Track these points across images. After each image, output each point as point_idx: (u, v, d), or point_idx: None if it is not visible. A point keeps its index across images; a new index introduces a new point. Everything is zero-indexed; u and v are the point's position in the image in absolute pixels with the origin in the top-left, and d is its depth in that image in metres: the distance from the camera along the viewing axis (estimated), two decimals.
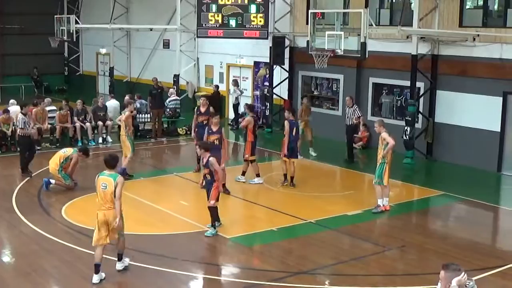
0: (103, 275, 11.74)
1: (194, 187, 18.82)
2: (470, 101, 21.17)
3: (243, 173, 18.81)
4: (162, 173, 20.21)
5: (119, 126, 20.38)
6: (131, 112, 19.84)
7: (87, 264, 12.41)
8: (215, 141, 17.08)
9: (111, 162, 11.92)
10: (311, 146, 22.68)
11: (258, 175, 18.81)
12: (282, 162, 18.58)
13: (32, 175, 19.46)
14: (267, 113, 27.94)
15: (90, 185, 18.01)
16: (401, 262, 13.21)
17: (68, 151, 18.24)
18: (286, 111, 18.84)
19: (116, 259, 12.20)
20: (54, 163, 17.89)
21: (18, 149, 20.60)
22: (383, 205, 15.96)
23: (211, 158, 13.85)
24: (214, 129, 17.46)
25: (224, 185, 16.74)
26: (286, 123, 18.27)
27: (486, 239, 15.21)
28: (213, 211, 14.17)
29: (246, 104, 21.52)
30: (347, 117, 21.67)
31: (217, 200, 14.09)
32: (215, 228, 14.17)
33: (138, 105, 26.06)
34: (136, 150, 22.93)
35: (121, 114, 25.42)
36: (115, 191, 11.48)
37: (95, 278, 11.60)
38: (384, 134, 15.75)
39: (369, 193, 17.66)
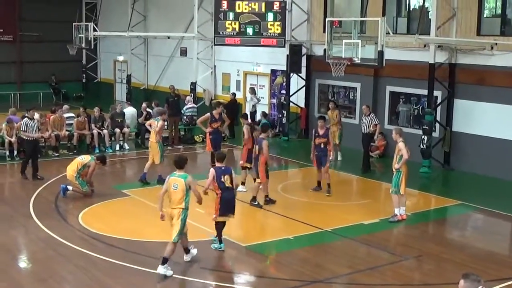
0: (188, 257, 12.92)
1: (210, 194, 18.79)
2: (488, 110, 21.06)
3: (243, 183, 18.67)
4: None
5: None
6: (164, 120, 19.90)
7: (103, 270, 12.48)
8: (218, 127, 20.05)
9: (179, 162, 12.57)
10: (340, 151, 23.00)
11: (243, 183, 18.63)
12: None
13: (35, 179, 19.80)
14: (284, 121, 27.93)
15: (107, 191, 18.32)
16: (418, 272, 13.13)
17: (85, 158, 18.32)
18: (320, 122, 18.86)
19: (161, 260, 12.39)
20: (71, 169, 17.97)
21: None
22: (400, 214, 15.89)
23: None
24: (217, 117, 19.95)
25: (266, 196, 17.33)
26: (332, 137, 18.42)
27: (504, 249, 15.09)
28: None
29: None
30: (364, 126, 21.61)
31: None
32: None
33: (153, 112, 26.11)
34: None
35: (138, 120, 25.71)
36: (186, 192, 12.22)
37: (160, 269, 12.21)
38: (401, 145, 15.66)
39: (385, 202, 17.60)
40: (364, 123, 21.57)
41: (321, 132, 18.23)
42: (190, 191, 12.38)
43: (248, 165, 18.49)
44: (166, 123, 26.06)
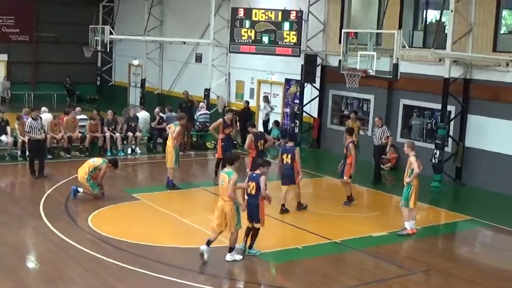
0: (208, 251, 13.27)
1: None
2: (502, 126, 20.99)
3: None
4: (189, 186, 20.26)
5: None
6: (182, 125, 19.93)
7: (112, 273, 12.53)
8: (230, 132, 20.53)
9: (229, 159, 13.73)
10: None
11: None
12: (344, 184, 18.56)
13: (41, 176, 20.14)
14: (296, 130, 27.92)
15: (118, 195, 18.38)
16: (426, 286, 13.08)
17: (97, 161, 18.39)
18: (347, 133, 18.91)
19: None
20: (83, 171, 18.04)
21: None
22: (410, 228, 15.84)
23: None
24: (229, 122, 20.38)
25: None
26: (351, 145, 18.22)
27: None
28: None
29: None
30: (376, 138, 21.58)
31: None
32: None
33: (165, 117, 26.22)
34: (164, 162, 23.10)
35: (150, 125, 25.79)
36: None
37: (203, 247, 13.27)
38: (412, 158, 15.61)
39: (395, 215, 17.56)
40: (376, 135, 21.55)
41: (346, 143, 18.44)
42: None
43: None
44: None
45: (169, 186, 19.56)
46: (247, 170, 18.62)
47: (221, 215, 13.27)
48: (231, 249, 13.53)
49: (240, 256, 13.62)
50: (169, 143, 19.61)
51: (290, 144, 17.83)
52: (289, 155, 17.38)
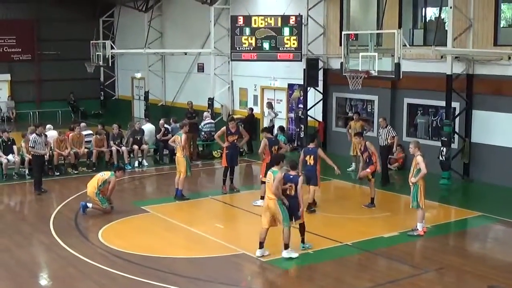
0: (266, 252, 14.01)
1: (229, 209, 18.86)
2: (507, 120, 20.95)
3: (262, 197, 18.64)
4: (197, 196, 20.26)
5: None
6: (186, 133, 20.02)
7: (124, 287, 12.50)
8: (234, 140, 20.17)
9: (276, 159, 14.61)
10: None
11: (262, 197, 18.63)
12: (370, 184, 18.58)
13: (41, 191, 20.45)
14: (302, 135, 27.91)
15: (127, 208, 18.38)
16: (439, 285, 13.04)
17: (105, 174, 18.42)
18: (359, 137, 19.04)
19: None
20: (92, 186, 18.06)
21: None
22: (421, 228, 15.77)
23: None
24: (233, 130, 20.18)
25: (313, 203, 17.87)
26: (373, 147, 18.44)
27: None
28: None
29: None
30: (381, 138, 21.55)
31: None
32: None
33: (170, 128, 26.25)
34: (172, 173, 23.13)
35: (156, 137, 25.80)
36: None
37: (258, 252, 14.03)
38: (419, 158, 15.53)
39: (405, 215, 17.54)
40: (382, 136, 21.52)
41: (362, 148, 18.54)
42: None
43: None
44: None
45: (178, 197, 19.58)
46: (260, 176, 18.70)
47: (267, 211, 13.95)
48: (286, 246, 14.02)
49: (296, 253, 14.08)
50: (179, 153, 19.66)
51: (311, 145, 18.00)
52: (312, 156, 17.62)
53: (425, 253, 14.85)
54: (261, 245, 14.08)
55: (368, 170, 18.17)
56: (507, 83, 20.79)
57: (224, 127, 20.55)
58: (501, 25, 21.97)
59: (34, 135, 20.68)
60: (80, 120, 34.26)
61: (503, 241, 16.37)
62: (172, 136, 25.69)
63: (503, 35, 21.47)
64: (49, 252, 14.86)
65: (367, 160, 18.28)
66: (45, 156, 22.14)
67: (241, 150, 25.76)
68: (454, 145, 22.24)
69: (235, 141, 20.21)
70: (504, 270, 13.55)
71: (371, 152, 18.28)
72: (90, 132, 25.49)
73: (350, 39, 20.45)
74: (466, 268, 13.69)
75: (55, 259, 14.37)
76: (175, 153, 20.25)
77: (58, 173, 23.11)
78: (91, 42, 33.84)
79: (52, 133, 24.03)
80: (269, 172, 14.19)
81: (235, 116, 30.43)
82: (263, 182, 18.46)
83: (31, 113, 38.28)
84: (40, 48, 41.66)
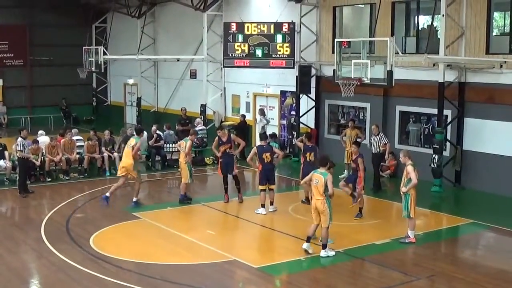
0: (311, 250, 14.71)
1: (221, 216, 18.84)
2: (498, 128, 21.02)
3: (262, 206, 18.72)
4: (190, 202, 20.20)
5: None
6: (192, 141, 20.27)
7: None
8: (226, 149, 19.77)
9: (322, 161, 15.00)
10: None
11: (263, 206, 18.73)
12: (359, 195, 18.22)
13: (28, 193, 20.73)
14: (294, 142, 27.92)
15: (119, 214, 18.36)
16: None
17: (131, 141, 19.20)
18: (356, 146, 18.89)
19: None
20: (128, 161, 18.93)
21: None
22: (413, 236, 15.78)
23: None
24: (224, 139, 19.81)
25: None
26: (361, 160, 18.09)
27: None
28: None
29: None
30: (373, 146, 21.60)
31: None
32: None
33: (164, 135, 26.25)
34: (164, 180, 23.14)
35: (148, 143, 25.76)
36: (326, 186, 14.32)
37: (304, 245, 14.78)
38: (410, 168, 15.54)
39: (397, 222, 17.57)
40: (374, 143, 21.57)
41: (354, 157, 18.42)
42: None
43: (261, 187, 18.82)
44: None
45: (180, 201, 19.76)
46: (257, 185, 18.88)
47: (315, 211, 14.57)
48: (324, 246, 14.64)
49: (333, 252, 14.74)
50: (181, 159, 19.82)
51: (309, 143, 19.14)
52: (312, 153, 18.77)
53: (417, 260, 14.86)
54: (308, 240, 14.80)
55: (358, 190, 17.97)
56: (499, 91, 20.86)
57: (216, 137, 20.41)
58: (493, 34, 22.06)
59: (20, 139, 20.96)
60: (72, 126, 34.17)
61: (494, 248, 16.40)
62: (165, 142, 25.88)
63: (495, 43, 21.55)
64: (40, 258, 14.80)
65: (352, 172, 18.29)
66: (36, 162, 22.20)
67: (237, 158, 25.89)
68: (446, 153, 22.29)
69: (229, 149, 19.98)
70: (495, 277, 13.57)
71: (359, 168, 17.95)
72: (80, 137, 25.43)
73: (343, 47, 20.47)
74: (457, 275, 13.71)
75: (46, 265, 14.32)
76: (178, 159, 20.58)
77: (49, 179, 23.05)
78: (83, 48, 33.74)
79: (44, 139, 23.97)
80: (316, 174, 14.64)
81: (226, 123, 30.59)
82: (263, 190, 18.52)
83: (23, 118, 38.13)
84: (32, 53, 41.57)
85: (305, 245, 14.79)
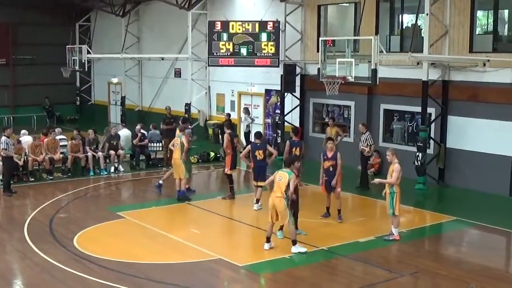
0: (273, 244, 14.94)
1: (206, 215, 18.81)
2: (482, 126, 21.13)
3: (258, 200, 18.82)
4: (174, 201, 20.18)
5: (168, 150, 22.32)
6: (185, 135, 20.34)
7: None
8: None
9: (287, 162, 15.29)
10: None
11: (258, 201, 18.89)
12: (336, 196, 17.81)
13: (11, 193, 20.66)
14: (279, 140, 27.91)
15: (102, 214, 18.29)
16: None
17: (176, 139, 19.96)
18: (330, 144, 18.19)
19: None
20: (177, 152, 19.64)
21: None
22: (397, 234, 15.83)
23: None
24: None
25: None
26: (340, 155, 17.66)
27: (499, 264, 15.09)
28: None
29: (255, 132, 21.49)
30: (361, 144, 21.53)
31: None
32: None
33: (147, 134, 26.20)
34: (149, 178, 23.12)
35: (132, 142, 25.67)
36: (288, 184, 14.49)
37: (266, 246, 14.90)
38: (396, 167, 15.51)
39: (381, 220, 17.60)
40: (361, 141, 21.50)
41: (329, 154, 17.52)
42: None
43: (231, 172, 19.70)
44: (161, 144, 26.23)
45: (181, 197, 19.82)
46: (226, 170, 19.52)
47: (273, 209, 14.67)
48: (294, 242, 14.71)
49: (304, 248, 14.81)
50: (176, 155, 19.84)
51: (296, 138, 19.43)
52: (298, 148, 18.84)
53: (401, 258, 14.91)
54: (268, 240, 14.92)
55: (338, 189, 17.58)
56: (482, 90, 20.97)
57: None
58: (477, 32, 22.18)
59: (4, 137, 20.83)
60: (56, 125, 34.00)
61: (478, 245, 16.49)
62: (149, 141, 25.82)
63: (479, 42, 21.65)
64: (23, 259, 14.70)
65: (331, 170, 17.44)
66: (19, 162, 22.09)
67: (218, 155, 26.07)
68: (430, 151, 22.38)
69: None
70: (478, 274, 13.65)
71: (339, 164, 17.41)
72: (64, 137, 25.31)
73: (327, 45, 20.54)
74: (441, 272, 13.77)
75: (29, 266, 14.24)
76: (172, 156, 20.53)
77: (32, 179, 22.91)
78: (67, 46, 33.64)
79: (27, 139, 23.83)
80: (279, 171, 14.86)
81: (210, 122, 30.62)
82: (260, 187, 18.53)
83: (6, 118, 37.89)
84: (15, 52, 41.34)
85: (266, 246, 14.90)
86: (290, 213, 14.66)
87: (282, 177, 14.65)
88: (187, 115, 30.45)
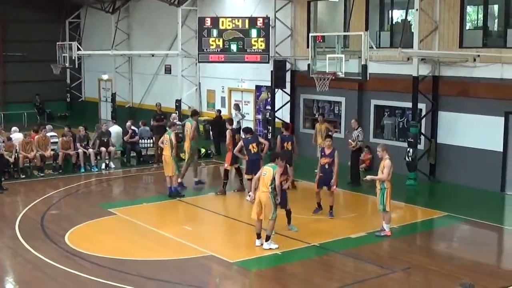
0: (263, 241, 14.72)
1: (197, 211, 18.81)
2: (472, 121, 21.18)
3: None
4: (165, 198, 20.17)
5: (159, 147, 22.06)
6: (175, 131, 20.46)
7: None
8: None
9: (271, 156, 15.37)
10: None
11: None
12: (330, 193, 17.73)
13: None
14: (269, 136, 27.92)
15: (94, 211, 18.25)
16: (406, 284, 13.15)
17: (187, 126, 20.84)
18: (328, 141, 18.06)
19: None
20: (168, 151, 19.63)
21: None
22: (388, 229, 15.87)
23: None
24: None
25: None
26: (337, 153, 17.68)
27: (490, 259, 15.12)
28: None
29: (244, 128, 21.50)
30: (354, 139, 21.46)
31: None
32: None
33: (137, 131, 26.15)
34: (139, 175, 23.08)
35: (123, 139, 25.64)
36: (273, 179, 14.55)
37: (257, 242, 14.87)
38: (387, 162, 15.56)
39: (372, 216, 17.64)
40: (353, 137, 21.45)
41: (327, 151, 17.44)
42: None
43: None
44: (152, 141, 26.20)
45: (173, 194, 19.79)
46: (225, 165, 19.72)
47: (258, 205, 14.61)
48: (267, 238, 14.71)
49: (276, 245, 14.75)
50: (167, 152, 19.79)
51: (286, 133, 20.30)
52: (289, 142, 19.87)
53: (393, 253, 14.94)
54: (258, 236, 14.90)
55: (334, 187, 17.48)
56: (472, 85, 21.02)
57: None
58: (467, 28, 22.20)
59: None
60: (46, 122, 33.93)
61: (469, 240, 16.53)
62: (140, 138, 25.79)
63: (469, 37, 21.69)
64: (15, 256, 14.67)
65: (327, 167, 17.45)
66: (10, 159, 22.05)
67: (209, 152, 26.09)
68: (421, 146, 22.43)
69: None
70: (470, 269, 13.69)
71: (336, 162, 17.43)
72: (54, 134, 25.24)
73: (317, 41, 20.53)
74: (432, 267, 13.81)
75: (21, 263, 14.20)
76: (162, 153, 20.49)
77: (23, 176, 22.85)
78: (57, 43, 33.57)
79: (17, 136, 23.77)
80: (265, 166, 14.99)
81: (201, 119, 30.58)
82: (249, 179, 18.58)
83: None
84: (5, 49, 41.17)
85: (257, 242, 14.91)
86: (275, 209, 14.64)
87: (267, 172, 14.72)
88: (177, 112, 30.38)
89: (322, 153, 17.60)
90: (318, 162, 17.78)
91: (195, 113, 22.06)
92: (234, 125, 28.63)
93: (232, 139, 20.01)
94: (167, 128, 27.02)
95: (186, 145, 21.26)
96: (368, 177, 16.10)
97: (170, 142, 19.67)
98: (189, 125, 21.15)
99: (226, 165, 20.14)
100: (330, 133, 22.62)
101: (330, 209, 17.64)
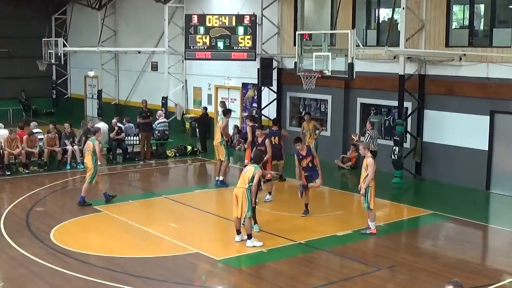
0: (244, 237, 14.88)
1: (183, 209, 18.78)
2: (458, 120, 21.27)
3: (270, 193, 19.08)
4: (151, 195, 20.14)
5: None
6: (97, 139, 19.09)
7: (77, 287, 12.36)
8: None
9: (256, 158, 15.62)
10: None
11: (270, 193, 19.14)
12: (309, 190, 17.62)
13: None
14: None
15: (80, 208, 18.18)
16: (391, 282, 13.17)
17: (218, 122, 20.88)
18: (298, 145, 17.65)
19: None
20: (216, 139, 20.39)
21: None
22: (373, 227, 15.90)
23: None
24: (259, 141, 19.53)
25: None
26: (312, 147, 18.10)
27: (475, 257, 15.17)
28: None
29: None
30: (373, 142, 21.36)
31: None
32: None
33: (123, 127, 26.08)
34: (125, 172, 23.03)
35: (109, 136, 25.56)
36: (253, 178, 14.70)
37: (237, 238, 15.06)
38: (370, 161, 15.57)
39: (358, 214, 17.67)
40: (365, 139, 21.27)
41: (303, 153, 17.21)
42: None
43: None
44: (138, 138, 26.13)
45: (107, 199, 19.00)
46: (246, 161, 19.34)
47: (236, 201, 14.71)
48: (249, 236, 14.79)
49: (260, 242, 14.80)
50: (88, 159, 18.77)
51: (275, 128, 20.89)
52: (276, 137, 20.30)
53: (378, 251, 14.98)
54: (238, 232, 15.05)
55: (318, 182, 17.19)
56: (458, 84, 21.10)
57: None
58: (453, 27, 22.29)
59: None
60: (32, 118, 33.76)
61: (454, 238, 16.60)
62: (126, 135, 25.71)
63: (455, 36, 21.78)
64: (0, 253, 14.61)
65: (310, 166, 17.21)
66: None
67: (195, 149, 25.98)
68: (406, 144, 22.49)
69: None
70: (455, 267, 13.74)
71: (316, 157, 17.33)
72: (39, 130, 25.12)
73: (304, 39, 20.56)
74: (418, 265, 13.85)
75: (5, 260, 14.12)
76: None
77: (9, 173, 22.75)
78: (43, 39, 33.41)
79: (2, 132, 23.65)
80: (248, 166, 15.40)
81: (188, 116, 30.55)
82: (268, 180, 18.46)
83: None
84: None
85: (237, 238, 15.08)
86: (250, 206, 14.64)
87: (248, 170, 14.91)
88: (163, 109, 30.30)
89: (300, 156, 17.20)
90: (298, 168, 17.29)
91: (227, 112, 21.61)
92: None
93: (252, 136, 19.77)
94: (153, 125, 27.17)
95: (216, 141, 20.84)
96: (363, 191, 15.75)
97: (93, 150, 18.51)
98: (221, 122, 21.04)
99: (246, 161, 19.08)
100: (317, 131, 22.69)
101: (305, 207, 17.55)
